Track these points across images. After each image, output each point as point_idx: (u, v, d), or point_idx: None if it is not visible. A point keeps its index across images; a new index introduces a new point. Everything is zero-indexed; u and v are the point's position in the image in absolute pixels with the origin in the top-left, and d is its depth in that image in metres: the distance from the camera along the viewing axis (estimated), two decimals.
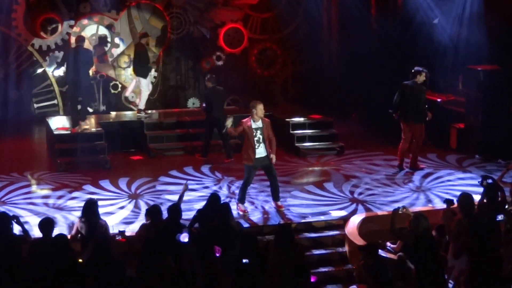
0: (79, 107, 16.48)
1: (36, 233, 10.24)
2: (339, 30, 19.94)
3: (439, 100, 17.04)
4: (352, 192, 13.72)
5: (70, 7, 18.72)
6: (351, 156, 16.21)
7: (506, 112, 15.72)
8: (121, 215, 12.54)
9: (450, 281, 10.14)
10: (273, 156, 12.40)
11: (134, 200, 13.29)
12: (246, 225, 11.85)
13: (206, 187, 14.01)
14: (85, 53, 16.20)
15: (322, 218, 12.42)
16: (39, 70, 18.81)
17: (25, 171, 14.91)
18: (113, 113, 18.33)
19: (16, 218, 10.02)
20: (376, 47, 18.50)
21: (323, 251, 11.84)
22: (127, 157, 16.27)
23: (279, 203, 12.70)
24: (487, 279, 9.25)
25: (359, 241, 11.32)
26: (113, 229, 10.92)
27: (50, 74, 18.83)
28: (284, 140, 16.40)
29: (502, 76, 15.83)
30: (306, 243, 11.71)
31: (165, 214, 10.52)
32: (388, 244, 11.27)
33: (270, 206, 12.82)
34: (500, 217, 10.22)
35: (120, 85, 19.22)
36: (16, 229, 10.01)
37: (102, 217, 10.57)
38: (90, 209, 10.35)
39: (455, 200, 10.73)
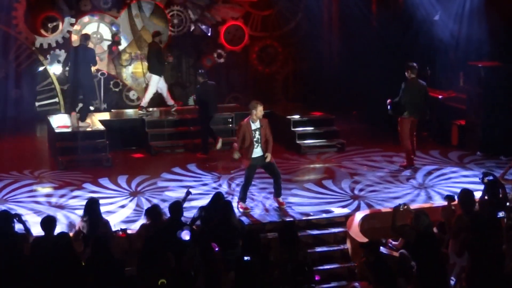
0: (80, 105, 16.49)
1: (37, 231, 10.23)
2: (340, 27, 19.94)
3: (440, 96, 17.04)
4: (352, 189, 13.73)
5: (71, 5, 18.73)
6: (352, 153, 16.22)
7: (507, 109, 15.70)
8: (123, 214, 12.53)
9: (452, 278, 10.15)
10: (268, 155, 12.39)
11: (135, 198, 13.30)
12: (247, 220, 11.86)
13: (205, 184, 14.01)
14: (88, 52, 16.19)
15: (324, 215, 12.43)
16: (40, 68, 18.82)
17: (25, 169, 14.91)
18: (114, 111, 18.33)
19: (18, 216, 10.02)
20: (377, 44, 18.51)
21: (325, 249, 11.85)
22: (128, 155, 16.28)
23: (280, 199, 12.70)
24: (488, 276, 9.25)
25: (361, 238, 11.33)
26: (115, 227, 10.91)
27: (51, 72, 18.84)
28: (285, 138, 16.41)
29: (503, 72, 15.81)
30: (308, 241, 11.71)
31: (165, 214, 10.54)
32: (390, 241, 11.27)
33: (271, 204, 12.82)
34: (501, 214, 10.22)
35: (121, 83, 19.23)
36: (18, 227, 10.02)
37: (103, 215, 10.57)
38: (92, 208, 10.35)
39: (455, 196, 10.73)
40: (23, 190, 13.75)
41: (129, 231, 10.58)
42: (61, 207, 12.86)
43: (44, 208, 12.74)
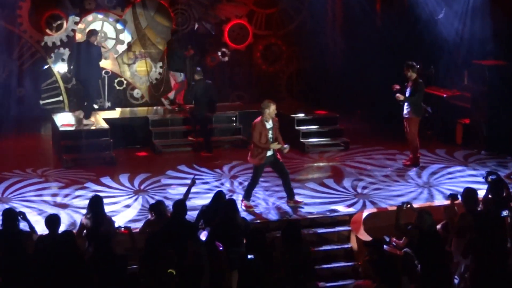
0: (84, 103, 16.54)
1: (41, 229, 10.26)
2: (344, 25, 19.92)
3: (444, 95, 17.02)
4: (355, 187, 13.73)
5: (75, 4, 18.74)
6: (357, 152, 16.21)
7: (511, 108, 15.69)
8: (127, 213, 12.53)
9: (456, 277, 10.14)
10: (287, 146, 12.39)
11: (139, 196, 13.32)
12: (251, 217, 11.88)
13: (206, 183, 14.02)
14: (92, 48, 16.14)
15: (328, 214, 12.43)
16: (45, 67, 18.84)
17: (29, 167, 14.92)
18: (118, 110, 18.35)
19: (22, 214, 10.04)
20: (381, 42, 18.48)
21: (328, 247, 11.85)
22: (132, 153, 16.29)
23: (295, 199, 12.68)
24: (492, 275, 9.25)
25: (365, 237, 11.33)
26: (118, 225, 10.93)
27: (55, 70, 18.85)
28: (289, 136, 16.39)
29: (507, 71, 15.79)
30: (312, 239, 11.71)
31: (170, 210, 10.54)
32: (394, 240, 11.26)
33: (273, 202, 12.83)
34: (504, 213, 10.21)
35: (125, 82, 19.24)
36: (23, 225, 10.05)
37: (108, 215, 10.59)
38: (95, 205, 10.37)
39: (459, 195, 10.72)
40: (29, 188, 13.75)
41: (132, 229, 10.58)
42: (65, 206, 12.89)
43: (48, 207, 12.76)
